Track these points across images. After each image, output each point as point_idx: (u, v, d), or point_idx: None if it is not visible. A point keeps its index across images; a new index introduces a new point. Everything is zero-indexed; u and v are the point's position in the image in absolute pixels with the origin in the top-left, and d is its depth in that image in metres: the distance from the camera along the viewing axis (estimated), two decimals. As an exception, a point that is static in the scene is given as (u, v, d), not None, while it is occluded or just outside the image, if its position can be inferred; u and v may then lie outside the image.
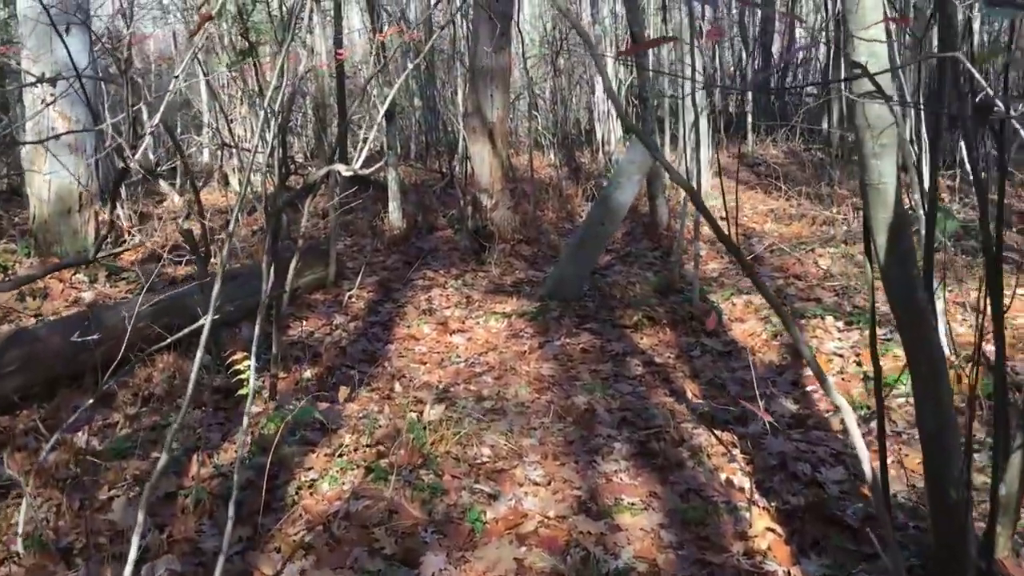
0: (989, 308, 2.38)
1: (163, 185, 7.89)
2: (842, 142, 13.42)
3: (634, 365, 5.12)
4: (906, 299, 2.35)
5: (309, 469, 3.68)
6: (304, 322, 5.94)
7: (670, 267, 6.85)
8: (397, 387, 4.87)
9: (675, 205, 9.00)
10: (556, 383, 4.87)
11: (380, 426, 4.17)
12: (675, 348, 5.34)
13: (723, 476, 3.51)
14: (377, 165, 3.61)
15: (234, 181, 12.81)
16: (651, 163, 5.97)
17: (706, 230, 8.18)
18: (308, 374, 4.98)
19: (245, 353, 3.93)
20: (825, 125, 15.62)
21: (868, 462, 2.00)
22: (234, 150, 12.68)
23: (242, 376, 3.88)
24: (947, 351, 4.31)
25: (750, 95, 14.33)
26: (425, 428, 4.13)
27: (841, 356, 4.73)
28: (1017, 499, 2.63)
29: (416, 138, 16.75)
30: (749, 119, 14.04)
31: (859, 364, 4.58)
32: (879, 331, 4.93)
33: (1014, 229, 7.60)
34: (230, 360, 3.94)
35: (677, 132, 9.50)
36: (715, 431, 3.98)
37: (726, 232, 2.08)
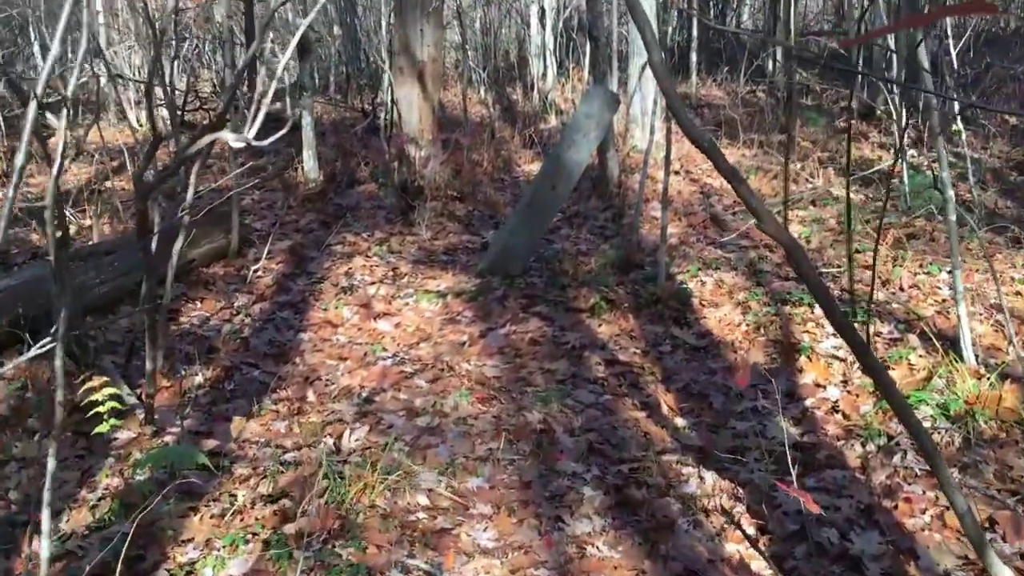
0: None
1: (50, 118, 6.74)
2: (789, 83, 12.73)
3: (594, 364, 4.31)
4: None
5: (188, 541, 2.79)
6: (198, 305, 4.97)
7: (627, 237, 6.04)
8: (310, 395, 3.99)
9: (625, 158, 8.16)
10: (503, 388, 4.04)
11: (287, 462, 3.29)
12: (641, 340, 4.55)
13: (729, 548, 2.75)
14: (279, 133, 2.67)
15: (132, 116, 11.52)
16: (610, 117, 5.11)
17: (660, 188, 7.40)
18: (199, 378, 4.05)
19: (105, 379, 2.99)
20: (770, 65, 14.93)
21: None
22: (130, 82, 11.38)
23: (99, 409, 2.95)
24: (973, 362, 3.61)
25: (695, 32, 13.47)
26: (345, 463, 3.28)
27: (842, 360, 4.00)
28: None
29: (336, 70, 15.52)
30: (693, 57, 13.20)
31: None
32: (883, 328, 4.24)
33: (990, 189, 6.99)
34: (85, 388, 3.00)
35: (627, 73, 8.64)
36: (706, 469, 3.22)
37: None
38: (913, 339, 4.00)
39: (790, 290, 4.92)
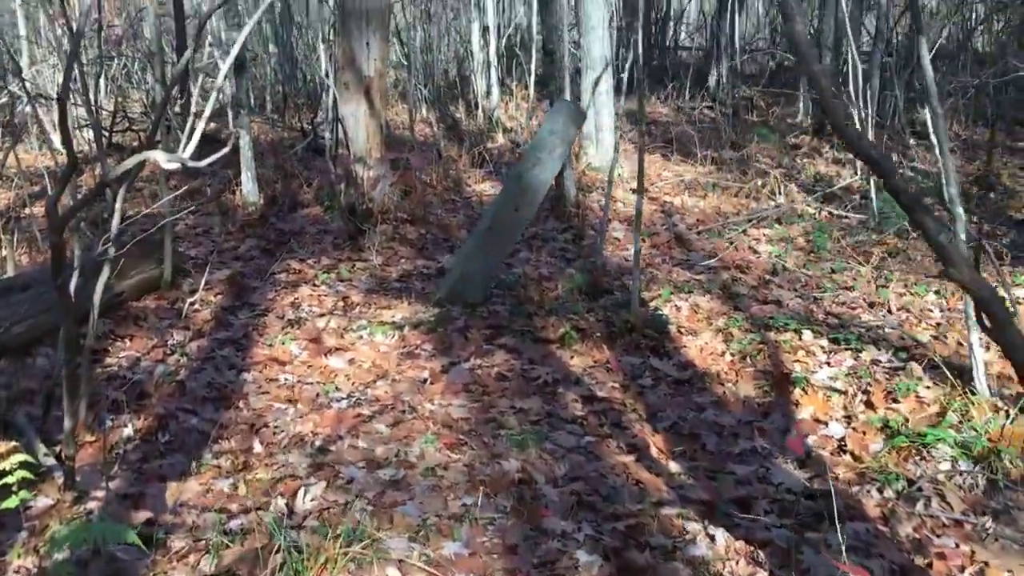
0: None
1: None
2: (733, 98, 12.61)
3: (571, 401, 3.95)
4: None
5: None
6: (127, 344, 4.47)
7: (592, 259, 5.70)
8: (257, 446, 3.54)
9: (580, 176, 7.85)
10: (473, 432, 3.65)
11: (232, 531, 2.85)
12: (618, 374, 4.20)
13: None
14: (218, 153, 2.26)
15: (56, 138, 10.87)
16: (575, 132, 4.78)
17: (620, 207, 7.10)
18: (129, 430, 3.58)
19: (14, 443, 2.53)
20: (712, 80, 14.83)
21: None
22: (53, 101, 10.74)
23: (7, 480, 2.49)
24: (987, 393, 3.32)
25: (639, 49, 13.28)
26: (300, 529, 2.85)
27: (842, 392, 3.69)
28: None
29: (272, 89, 14.97)
30: (635, 74, 13.00)
31: (870, 405, 3.54)
32: (881, 356, 3.95)
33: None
34: (-12, 455, 2.53)
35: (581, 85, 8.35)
36: (714, 525, 2.86)
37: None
38: (916, 368, 3.72)
39: (772, 315, 4.63)
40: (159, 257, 5.09)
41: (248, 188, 6.91)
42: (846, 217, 6.62)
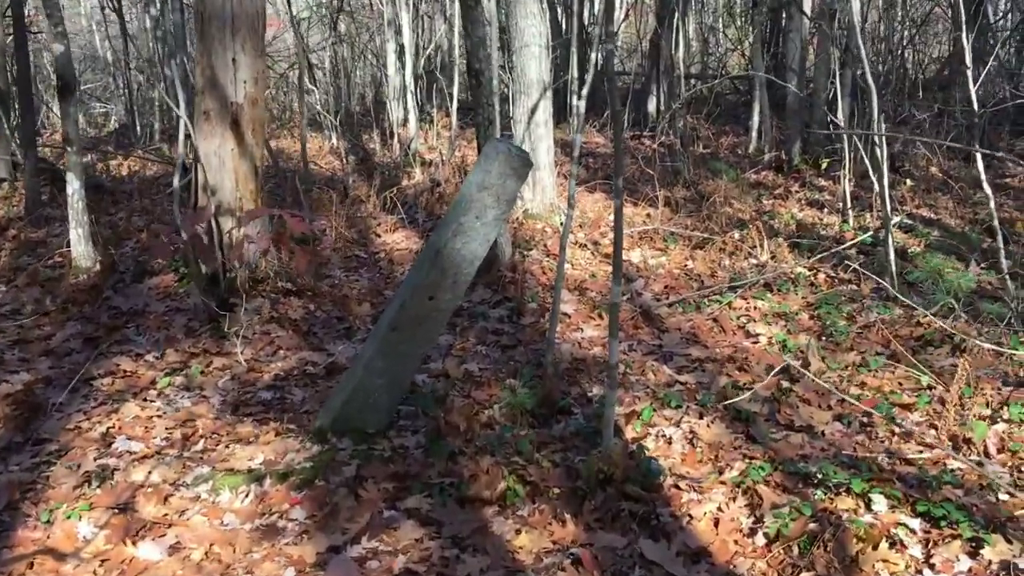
0: None
1: None
2: (675, 128, 11.29)
3: (522, 635, 2.42)
4: None
5: None
6: None
7: (540, 354, 4.19)
8: None
9: (517, 229, 6.35)
10: None
11: None
12: (592, 568, 2.68)
13: None
14: None
15: None
16: (516, 187, 3.28)
17: (571, 271, 5.62)
18: None
19: None
20: (652, 107, 13.56)
21: None
22: None
23: None
24: None
25: (574, 73, 11.93)
26: None
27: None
28: None
29: (162, 114, 13.19)
30: (576, 101, 11.63)
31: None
32: (1017, 554, 2.50)
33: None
34: None
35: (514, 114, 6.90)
36: None
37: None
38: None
39: (805, 453, 3.18)
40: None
41: (79, 250, 5.23)
42: (851, 283, 5.26)
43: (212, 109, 4.89)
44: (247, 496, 3.11)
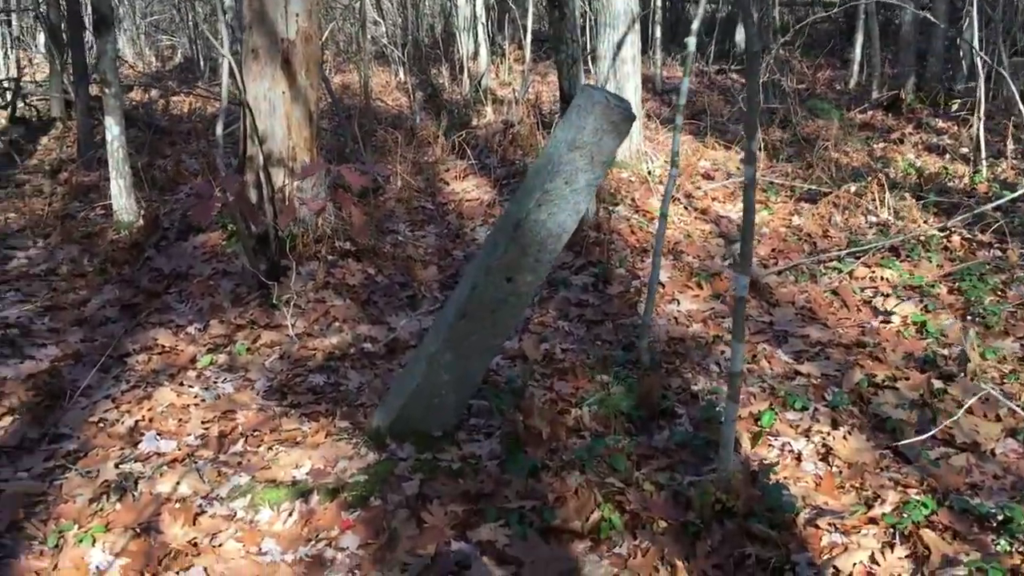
0: None
1: None
2: (769, 61, 10.36)
3: None
4: None
5: None
6: None
7: (634, 338, 3.59)
8: None
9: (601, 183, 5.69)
10: None
11: None
12: (714, 638, 2.12)
13: None
14: None
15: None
16: (614, 147, 2.66)
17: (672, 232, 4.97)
18: None
19: None
20: (740, 38, 12.57)
21: None
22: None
23: None
24: None
25: (658, 1, 11.05)
26: None
27: None
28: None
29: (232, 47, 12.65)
30: (659, 32, 10.80)
31: None
32: None
33: None
34: None
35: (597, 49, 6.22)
36: None
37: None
38: None
39: (976, 483, 2.55)
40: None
41: (120, 203, 4.76)
42: (991, 247, 4.52)
43: (260, 47, 4.33)
44: (290, 515, 2.61)
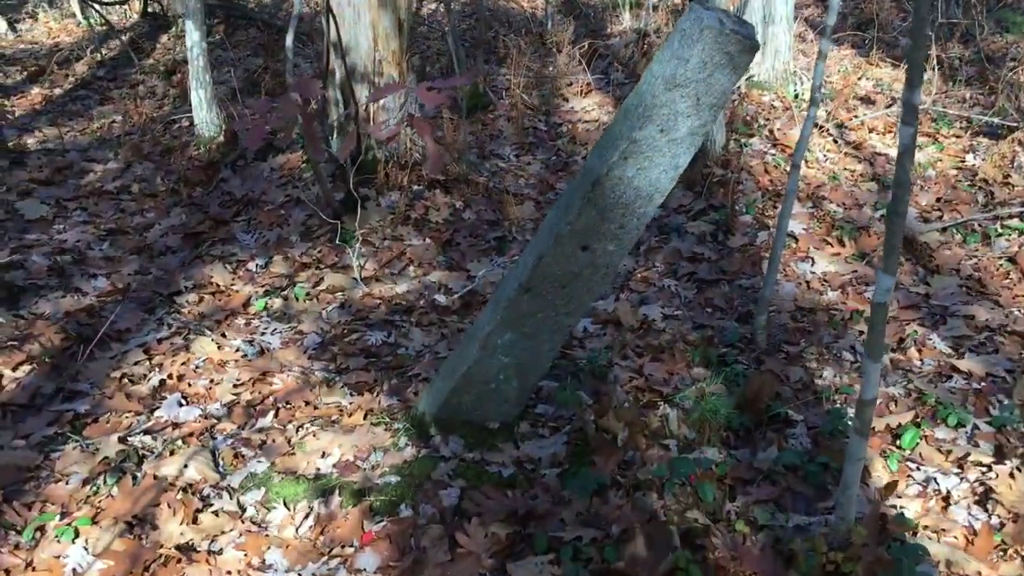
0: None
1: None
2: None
3: None
4: None
5: None
6: None
7: (751, 305, 2.97)
8: None
9: (735, 107, 4.92)
10: None
11: None
12: None
13: None
14: None
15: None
16: (728, 86, 2.03)
17: (804, 170, 4.24)
18: None
19: None
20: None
21: None
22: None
23: None
24: None
25: None
26: None
27: None
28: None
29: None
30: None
31: None
32: None
33: None
34: None
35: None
36: None
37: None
38: None
39: None
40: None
41: (201, 116, 4.40)
42: None
43: (344, -58, 3.79)
44: (306, 518, 2.20)
